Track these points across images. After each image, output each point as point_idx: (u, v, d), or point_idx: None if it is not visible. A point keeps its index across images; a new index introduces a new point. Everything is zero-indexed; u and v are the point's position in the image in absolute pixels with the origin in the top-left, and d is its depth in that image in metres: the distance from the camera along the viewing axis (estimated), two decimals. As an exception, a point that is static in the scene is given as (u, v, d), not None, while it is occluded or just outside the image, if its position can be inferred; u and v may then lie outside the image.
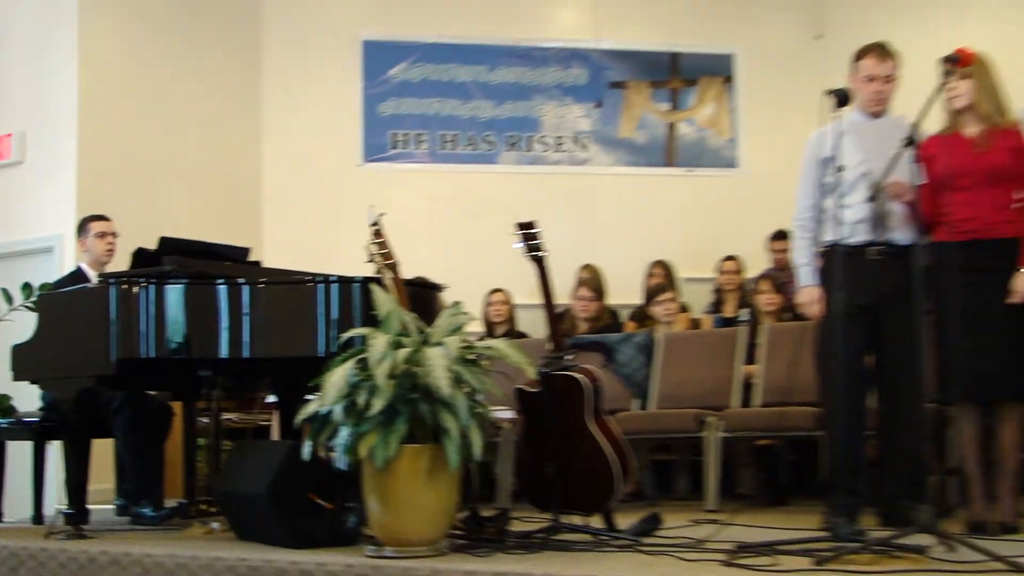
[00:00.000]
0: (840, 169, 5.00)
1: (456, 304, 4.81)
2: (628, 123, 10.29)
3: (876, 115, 5.35)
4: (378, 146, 9.91)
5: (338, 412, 4.39)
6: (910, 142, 4.57)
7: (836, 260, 5.06)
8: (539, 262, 5.21)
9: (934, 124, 5.31)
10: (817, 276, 5.41)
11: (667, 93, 10.38)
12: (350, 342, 4.62)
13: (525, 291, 5.22)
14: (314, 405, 4.47)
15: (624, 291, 9.08)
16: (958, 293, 5.11)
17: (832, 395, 5.24)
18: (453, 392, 4.34)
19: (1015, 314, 5.15)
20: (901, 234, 5.27)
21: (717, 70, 10.43)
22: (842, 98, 5.11)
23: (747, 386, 7.11)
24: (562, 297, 8.24)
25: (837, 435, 5.22)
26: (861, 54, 5.44)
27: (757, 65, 10.40)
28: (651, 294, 8.48)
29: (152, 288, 5.21)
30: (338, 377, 4.39)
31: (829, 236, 5.26)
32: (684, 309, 8.60)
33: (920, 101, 4.72)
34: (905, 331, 5.12)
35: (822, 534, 4.50)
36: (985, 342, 5.12)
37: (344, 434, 4.40)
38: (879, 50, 5.41)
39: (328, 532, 4.79)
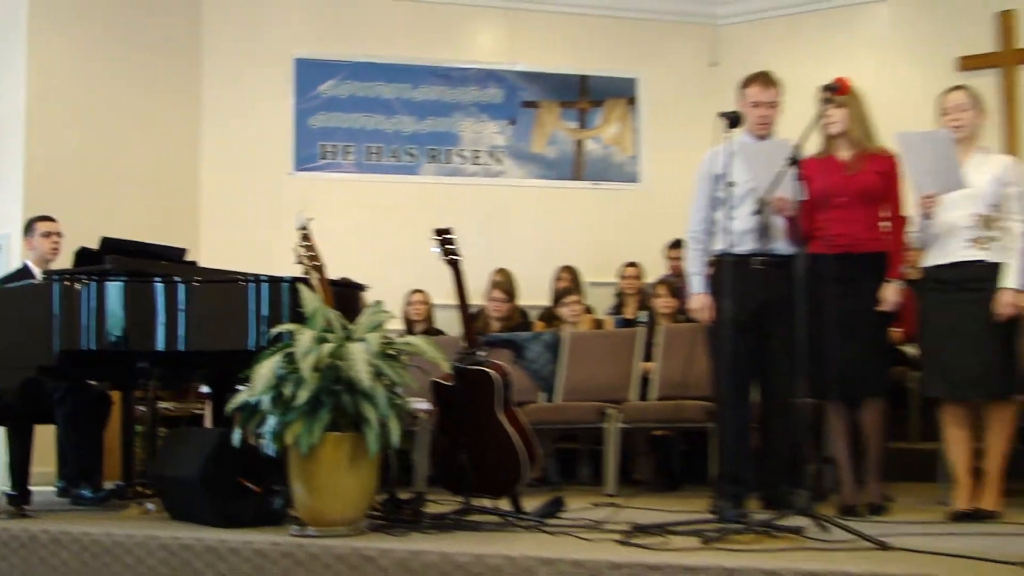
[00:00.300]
0: (730, 185, 5.06)
1: (377, 303, 4.83)
2: (540, 139, 10.32)
3: (762, 137, 5.43)
4: (308, 156, 9.86)
5: (266, 402, 4.40)
6: (793, 162, 4.65)
7: (724, 269, 5.11)
8: (454, 265, 5.25)
9: (811, 147, 5.43)
10: (707, 284, 5.49)
11: (576, 113, 10.42)
12: (278, 337, 4.60)
13: (443, 292, 5.25)
14: (244, 395, 4.47)
15: (534, 293, 9.12)
16: (832, 301, 5.15)
17: (720, 392, 5.33)
18: (373, 384, 4.36)
19: (881, 321, 5.31)
20: (782, 245, 5.38)
21: (622, 92, 10.48)
22: (733, 120, 5.19)
23: (644, 381, 7.18)
24: (476, 298, 8.28)
25: (724, 428, 5.30)
26: (747, 82, 5.54)
27: (658, 89, 10.46)
28: (558, 296, 8.55)
29: (93, 285, 5.17)
30: (266, 369, 4.39)
31: (718, 246, 5.36)
32: (588, 310, 8.65)
33: (801, 125, 4.82)
34: (785, 335, 5.24)
35: (709, 516, 4.53)
36: (855, 346, 5.22)
37: (271, 422, 4.41)
38: (763, 78, 5.52)
39: (255, 513, 4.78)
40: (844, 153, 5.42)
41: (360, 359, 4.36)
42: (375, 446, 4.36)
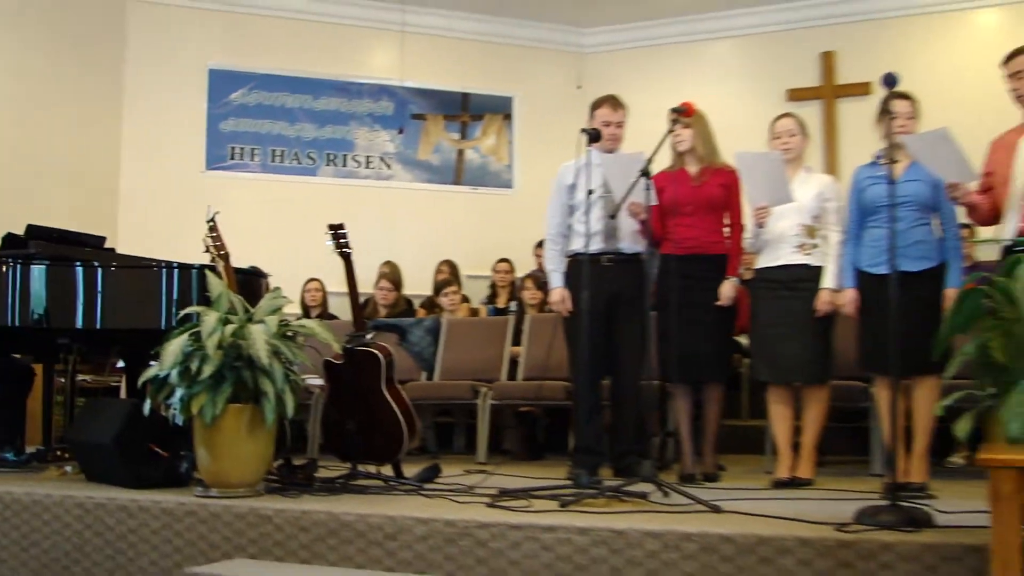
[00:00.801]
0: (590, 193, 5.12)
1: (276, 289, 4.79)
2: (426, 148, 10.30)
3: (610, 151, 5.47)
4: (219, 156, 9.69)
5: (174, 376, 4.35)
6: (645, 173, 4.69)
7: (579, 266, 5.16)
8: (346, 258, 5.22)
9: (664, 162, 5.51)
10: (564, 279, 5.52)
11: (458, 125, 10.42)
12: (187, 318, 4.57)
13: (336, 281, 5.20)
14: (154, 369, 4.41)
15: (417, 284, 9.09)
16: (678, 296, 5.21)
17: (577, 374, 5.37)
18: (271, 361, 4.33)
19: (721, 314, 5.39)
20: (629, 245, 5.44)
21: (499, 109, 10.52)
22: (594, 136, 5.27)
23: (513, 363, 7.20)
24: (366, 287, 8.25)
25: (580, 405, 5.34)
26: (598, 104, 5.62)
27: (530, 107, 10.53)
28: (439, 287, 8.54)
29: (19, 267, 5.06)
30: (175, 346, 4.34)
31: (574, 246, 5.41)
32: (465, 300, 8.66)
33: (653, 141, 4.88)
34: (633, 323, 5.32)
35: (567, 483, 4.60)
36: (697, 335, 5.30)
37: (179, 394, 4.37)
38: (612, 101, 5.60)
39: (164, 476, 4.72)
40: (692, 167, 5.50)
41: (259, 339, 4.32)
42: (272, 417, 4.34)
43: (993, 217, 4.75)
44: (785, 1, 9.94)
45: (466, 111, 10.46)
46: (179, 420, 4.41)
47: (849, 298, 5.00)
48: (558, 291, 5.50)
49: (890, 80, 4.07)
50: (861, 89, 9.47)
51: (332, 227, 5.24)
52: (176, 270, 5.07)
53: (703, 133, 5.49)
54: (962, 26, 9.66)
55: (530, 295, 7.74)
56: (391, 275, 8.56)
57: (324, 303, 8.69)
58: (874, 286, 4.78)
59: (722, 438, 5.70)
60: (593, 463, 5.23)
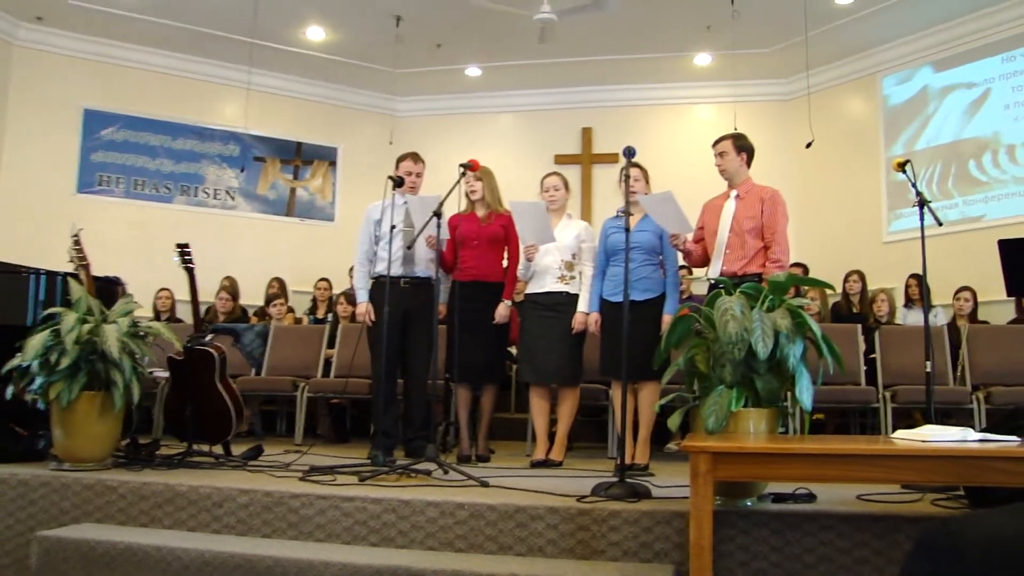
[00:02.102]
0: (392, 228, 5.08)
1: (129, 296, 4.57)
2: (264, 184, 10.03)
3: (413, 194, 5.45)
4: (88, 182, 9.17)
5: (35, 366, 4.09)
6: (437, 214, 4.67)
7: (381, 286, 5.11)
8: (189, 272, 5.00)
9: (460, 207, 5.53)
10: (369, 296, 5.44)
11: (291, 168, 10.20)
12: (50, 317, 4.28)
13: (184, 291, 4.98)
14: (17, 360, 4.11)
15: (252, 296, 8.83)
16: (463, 314, 5.28)
17: (377, 373, 5.31)
18: (121, 356, 4.13)
19: (497, 329, 5.41)
20: (422, 270, 5.42)
21: (326, 157, 10.37)
22: (398, 182, 5.25)
23: (327, 363, 7.08)
24: (209, 297, 7.95)
25: (379, 398, 5.28)
26: (402, 158, 5.59)
27: (351, 156, 10.43)
28: (269, 299, 8.33)
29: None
30: (37, 341, 4.09)
31: (377, 270, 5.36)
32: (291, 310, 8.47)
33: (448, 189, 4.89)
34: (423, 334, 5.28)
35: (367, 462, 4.55)
36: (477, 345, 5.33)
37: (39, 381, 4.10)
38: (414, 156, 5.59)
39: (24, 451, 4.43)
40: (480, 211, 5.54)
41: (112, 337, 4.11)
42: (120, 402, 4.14)
43: (703, 261, 5.00)
44: (554, 86, 10.22)
45: (299, 157, 10.25)
46: (39, 404, 4.14)
47: (595, 319, 5.12)
48: (363, 305, 5.41)
49: (629, 152, 4.23)
50: (611, 158, 9.82)
51: (179, 246, 5.03)
52: (43, 276, 4.75)
53: (491, 185, 5.55)
54: (686, 116, 10.19)
55: (343, 309, 7.64)
56: (230, 288, 8.27)
57: (172, 309, 8.31)
58: (613, 311, 4.93)
59: (493, 427, 5.74)
60: (389, 445, 5.17)
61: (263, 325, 7.54)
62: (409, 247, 5.08)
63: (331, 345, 7.17)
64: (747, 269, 4.65)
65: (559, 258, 5.26)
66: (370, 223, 5.51)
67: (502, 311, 5.39)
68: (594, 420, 7.01)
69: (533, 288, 5.33)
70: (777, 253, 4.62)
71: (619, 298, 4.76)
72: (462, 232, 5.45)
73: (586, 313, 5.16)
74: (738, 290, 3.61)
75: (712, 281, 4.71)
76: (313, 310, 8.71)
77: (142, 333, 4.36)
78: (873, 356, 6.45)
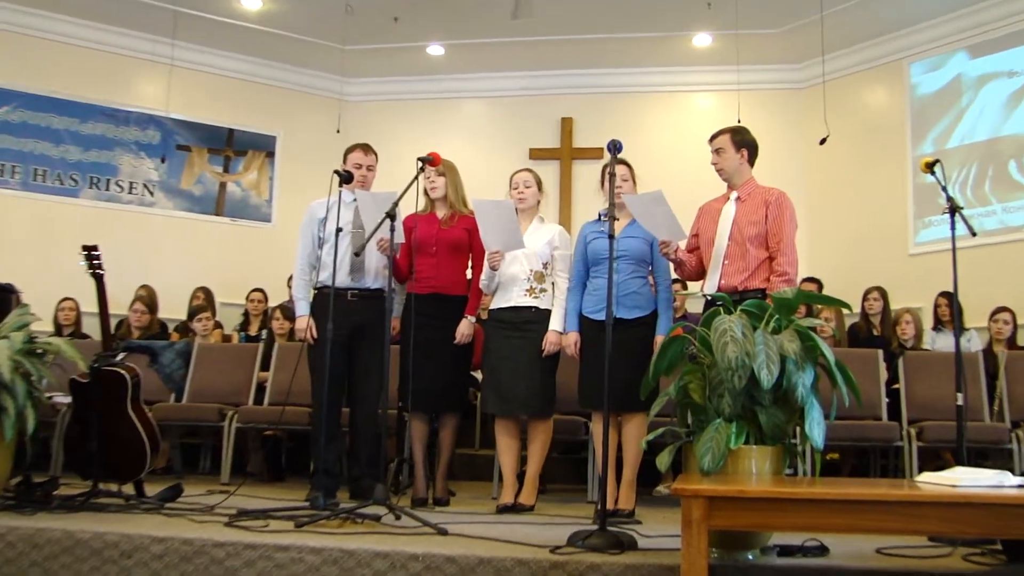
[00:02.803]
0: (339, 230, 5.07)
1: (25, 306, 4.50)
2: (189, 178, 9.98)
3: (364, 190, 5.42)
4: (-22, 172, 9.10)
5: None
6: (391, 216, 4.65)
7: (325, 298, 5.12)
8: (98, 279, 4.94)
9: (419, 205, 5.54)
10: (310, 309, 5.44)
11: (222, 159, 10.16)
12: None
13: (92, 301, 4.92)
14: None
15: (173, 308, 8.77)
16: (420, 332, 5.27)
17: (319, 401, 5.29)
18: (13, 377, 4.08)
19: (458, 350, 5.43)
20: (373, 280, 5.43)
21: (262, 146, 10.34)
22: (346, 178, 5.26)
23: (260, 388, 7.04)
24: (122, 309, 7.89)
25: (320, 430, 5.24)
26: (351, 149, 5.61)
27: (292, 146, 10.42)
28: (193, 313, 8.26)
29: None
30: (-92, 360, 4.00)
31: (320, 279, 5.35)
32: (218, 326, 8.41)
33: (404, 186, 4.87)
34: (373, 355, 5.28)
35: (305, 504, 4.51)
36: (436, 369, 5.33)
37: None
38: (364, 147, 5.62)
39: None
40: (441, 212, 5.56)
41: (2, 355, 4.05)
42: (11, 433, 4.09)
43: (698, 274, 5.02)
44: (530, 69, 10.26)
45: (230, 146, 10.21)
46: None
47: (572, 340, 5.13)
48: (303, 320, 5.40)
49: (614, 147, 4.24)
50: (594, 153, 9.85)
51: (86, 248, 4.97)
52: (-83, 282, 4.71)
53: (454, 182, 5.57)
54: (681, 106, 10.27)
55: (279, 325, 7.59)
56: (147, 298, 8.20)
57: (78, 322, 8.22)
58: (594, 330, 4.95)
59: (454, 465, 5.73)
60: (331, 485, 5.14)
61: (185, 343, 7.47)
62: (358, 253, 5.07)
63: (265, 367, 7.12)
64: (749, 284, 4.69)
65: (528, 267, 5.27)
66: (313, 223, 5.50)
67: (464, 329, 5.39)
68: (571, 458, 7.01)
69: (498, 302, 5.34)
70: (784, 265, 4.65)
71: (601, 315, 4.77)
72: (419, 236, 5.45)
73: (560, 332, 5.17)
74: (739, 308, 3.62)
75: (709, 297, 4.73)
76: (245, 326, 8.66)
77: (39, 351, 4.32)
78: (896, 386, 6.49)
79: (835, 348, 6.13)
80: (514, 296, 5.27)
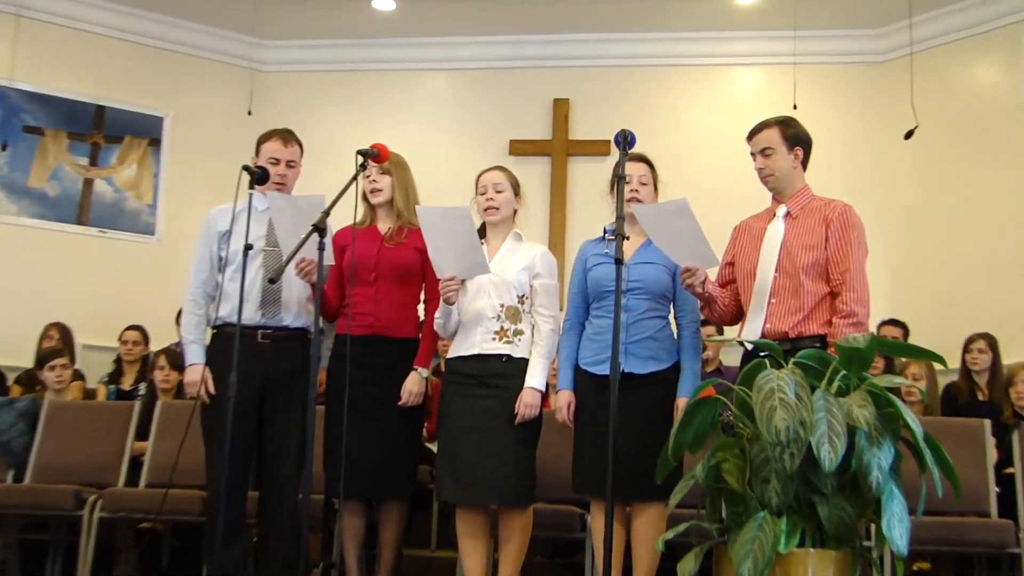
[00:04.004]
0: (248, 247, 5.05)
1: None
2: (40, 172, 9.93)
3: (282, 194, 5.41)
4: None
5: None
6: (320, 228, 4.58)
7: (227, 340, 5.13)
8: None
9: (351, 213, 5.53)
10: (206, 355, 5.42)
11: (87, 147, 10.13)
12: None
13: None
14: None
15: (14, 352, 8.75)
16: (355, 388, 5.20)
17: (216, 481, 5.25)
18: None
19: (405, 413, 5.42)
20: (294, 317, 5.43)
21: (145, 131, 10.33)
22: (260, 177, 5.25)
23: (136, 464, 6.99)
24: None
25: (218, 521, 5.21)
26: (266, 137, 5.60)
27: (186, 131, 10.41)
28: (43, 358, 8.21)
29: None
30: None
31: (221, 314, 5.35)
32: (79, 376, 8.38)
33: (338, 188, 4.85)
34: (292, 419, 5.25)
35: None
36: (375, 439, 5.32)
37: None
38: (283, 136, 5.60)
39: None
40: (385, 224, 5.57)
41: None
42: None
43: (732, 314, 5.04)
44: (512, 32, 10.30)
45: (100, 130, 10.20)
46: None
47: (563, 401, 5.13)
48: (196, 369, 5.37)
49: (625, 140, 4.25)
50: (598, 148, 9.90)
51: None
52: None
53: (403, 184, 5.58)
54: (717, 85, 10.31)
55: (164, 376, 7.57)
56: (-22, 338, 8.19)
57: None
58: (594, 388, 4.96)
59: (402, 570, 5.70)
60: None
61: (30, 400, 7.44)
62: (273, 280, 5.02)
63: (142, 435, 7.09)
64: (804, 328, 4.72)
65: (497, 301, 5.26)
66: (212, 239, 5.50)
67: (413, 386, 5.40)
68: (562, 562, 7.00)
69: (457, 349, 5.34)
70: (852, 303, 4.67)
71: (605, 368, 4.76)
72: (356, 257, 5.44)
73: (538, 390, 5.17)
74: (791, 361, 3.64)
75: (749, 347, 4.74)
76: (116, 377, 8.63)
77: None
78: (1010, 471, 6.50)
79: (924, 417, 6.16)
80: (479, 341, 5.24)
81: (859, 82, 9.99)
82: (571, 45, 10.35)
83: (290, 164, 5.57)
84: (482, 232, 5.40)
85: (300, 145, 5.65)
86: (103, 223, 10.11)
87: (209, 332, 5.50)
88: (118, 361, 8.72)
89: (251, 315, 5.31)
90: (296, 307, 5.44)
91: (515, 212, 5.48)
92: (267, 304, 5.39)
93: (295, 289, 5.39)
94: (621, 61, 10.30)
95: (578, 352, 5.19)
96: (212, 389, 5.32)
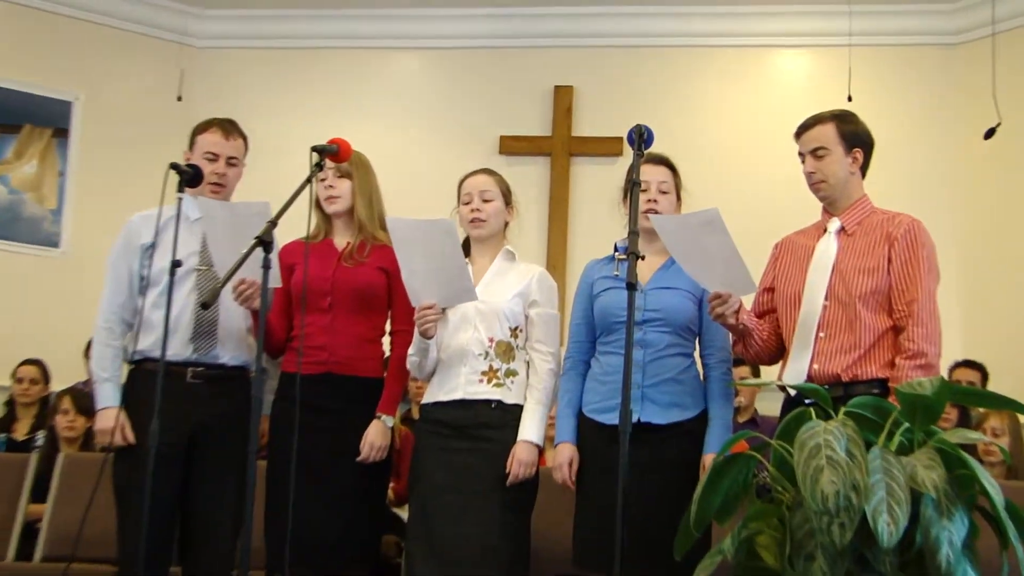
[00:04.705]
0: (177, 264, 5.05)
1: None
2: (-84, 169, 10.01)
3: (219, 199, 5.42)
4: None
5: None
6: (264, 242, 4.50)
7: (148, 379, 5.10)
8: None
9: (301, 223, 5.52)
10: (122, 396, 5.36)
11: (-26, 138, 10.20)
12: None
13: None
14: None
15: None
16: (306, 439, 5.12)
17: (130, 553, 5.23)
18: None
19: (366, 473, 5.40)
20: (231, 352, 5.42)
21: (47, 119, 10.33)
22: (193, 178, 5.22)
23: (31, 532, 6.97)
24: None
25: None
26: (202, 128, 5.59)
27: (102, 119, 10.39)
28: (-85, 400, 8.25)
29: None
30: None
31: (141, 347, 5.32)
32: (-43, 423, 8.41)
33: (288, 191, 4.84)
34: (226, 477, 5.24)
35: None
36: (328, 502, 5.31)
37: None
38: (223, 127, 5.58)
39: None
40: (343, 238, 5.58)
41: None
42: None
43: (772, 353, 5.05)
44: (504, 3, 10.33)
45: (-9, 117, 10.23)
46: None
47: (564, 458, 5.13)
48: (109, 414, 5.32)
49: (640, 137, 4.26)
50: (607, 147, 9.93)
51: None
52: None
53: (366, 189, 5.58)
54: (754, 70, 10.32)
55: (68, 422, 7.56)
56: None
57: None
58: (602, 441, 4.96)
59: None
60: None
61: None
62: (207, 305, 5.03)
63: (40, 496, 7.08)
64: (860, 370, 4.73)
65: (485, 335, 5.29)
66: (132, 253, 5.48)
67: (376, 438, 5.38)
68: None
69: (435, 393, 5.36)
70: (919, 340, 4.69)
71: (614, 417, 4.77)
72: (309, 278, 5.39)
73: (535, 444, 5.18)
74: (842, 410, 3.65)
75: (792, 392, 4.75)
76: (7, 424, 8.63)
77: None
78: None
79: (1006, 481, 6.16)
80: (462, 383, 5.26)
81: (929, 68, 10.00)
82: (576, 20, 10.36)
83: (231, 162, 5.56)
84: (466, 249, 5.41)
85: (245, 139, 5.64)
86: (-5, 232, 10.14)
87: (126, 368, 5.48)
88: (10, 403, 8.73)
89: (179, 349, 5.27)
90: (234, 340, 5.43)
91: (506, 225, 5.51)
92: (199, 336, 5.36)
93: (233, 317, 5.38)
94: (636, 41, 10.32)
95: (582, 397, 5.19)
96: (130, 438, 5.27)
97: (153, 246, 5.37)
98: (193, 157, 5.50)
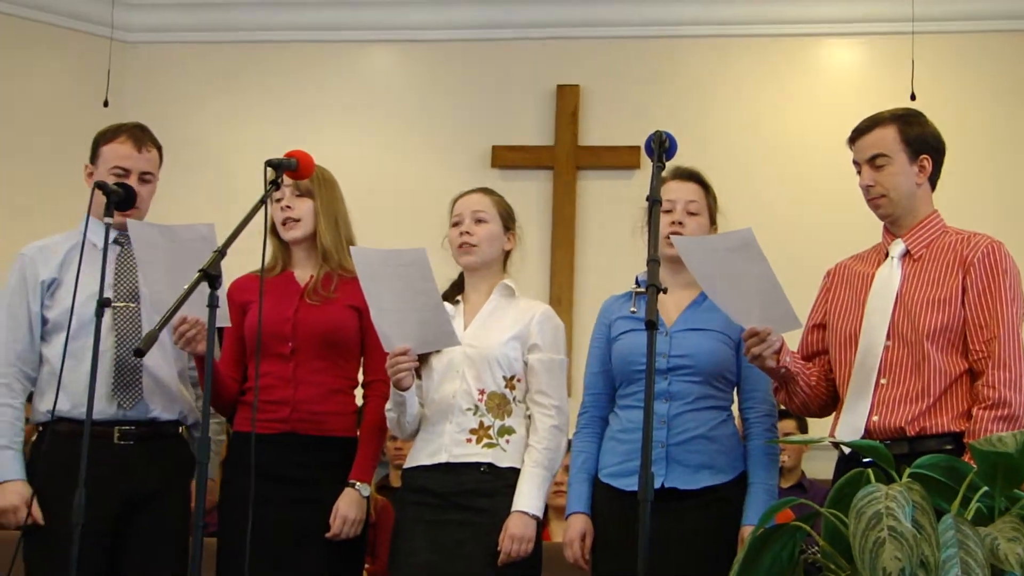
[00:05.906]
0: (106, 303, 4.99)
1: None
2: None
3: (122, 227, 5.36)
4: None
5: None
6: (208, 276, 4.39)
7: (65, 442, 5.09)
8: None
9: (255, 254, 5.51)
10: (21, 467, 5.29)
11: None
12: None
13: None
14: None
15: None
16: (264, 510, 5.07)
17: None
18: None
19: (336, 551, 5.38)
20: (165, 408, 5.41)
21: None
22: (125, 199, 5.19)
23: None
24: None
25: None
26: (108, 137, 5.55)
27: (14, 128, 10.44)
28: None
29: None
30: None
31: (49, 406, 5.22)
32: None
33: (236, 214, 4.81)
34: (162, 552, 5.23)
35: None
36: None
37: None
38: (136, 134, 5.54)
39: None
40: (305, 270, 5.59)
41: None
42: None
43: (821, 402, 5.05)
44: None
45: None
46: None
47: (576, 532, 5.16)
48: (13, 488, 5.27)
49: (660, 146, 4.28)
50: (622, 158, 9.95)
51: None
52: None
53: (331, 211, 5.59)
54: (799, 63, 10.35)
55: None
56: None
57: None
58: (622, 511, 4.95)
59: None
60: None
61: None
62: (142, 351, 4.99)
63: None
64: (929, 423, 4.76)
65: (474, 386, 5.31)
66: (31, 290, 5.43)
67: (349, 509, 5.37)
68: None
69: (417, 456, 5.39)
70: (1000, 386, 4.69)
71: (634, 483, 4.78)
72: (266, 318, 5.30)
73: (533, 516, 5.18)
74: (907, 470, 3.66)
75: (847, 450, 4.76)
76: None
77: None
78: None
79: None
80: (448, 443, 5.28)
81: (1008, 59, 10.05)
82: (583, 6, 10.40)
83: (145, 178, 5.49)
84: (460, 283, 5.42)
85: (159, 149, 5.60)
86: None
87: (34, 432, 5.47)
88: None
89: (101, 405, 5.15)
90: (163, 389, 5.41)
91: (507, 255, 5.53)
92: (120, 387, 5.32)
93: (160, 364, 5.37)
94: (655, 30, 10.35)
95: (598, 459, 5.21)
96: (38, 518, 5.21)
97: (55, 282, 5.36)
98: (98, 171, 5.46)
